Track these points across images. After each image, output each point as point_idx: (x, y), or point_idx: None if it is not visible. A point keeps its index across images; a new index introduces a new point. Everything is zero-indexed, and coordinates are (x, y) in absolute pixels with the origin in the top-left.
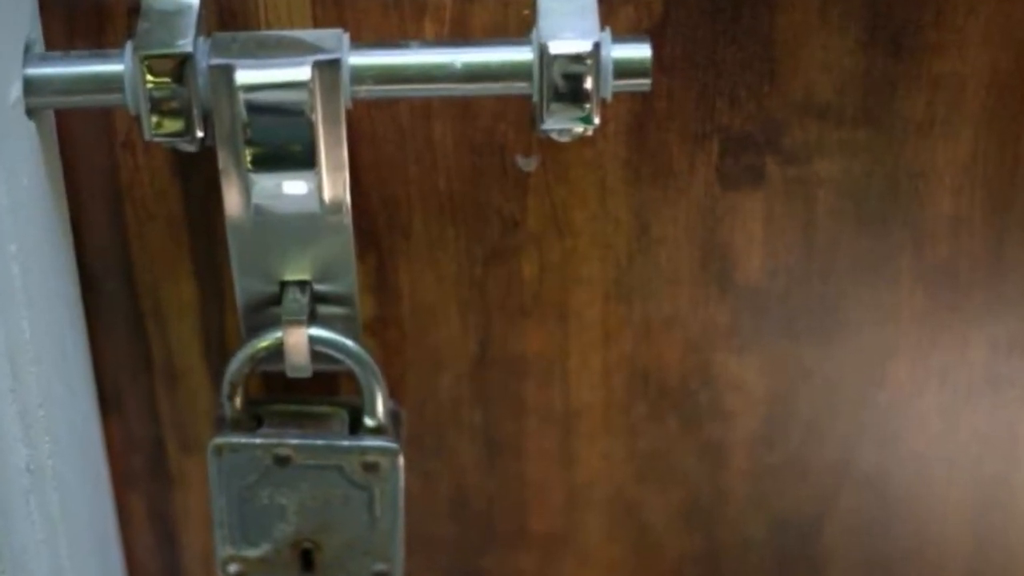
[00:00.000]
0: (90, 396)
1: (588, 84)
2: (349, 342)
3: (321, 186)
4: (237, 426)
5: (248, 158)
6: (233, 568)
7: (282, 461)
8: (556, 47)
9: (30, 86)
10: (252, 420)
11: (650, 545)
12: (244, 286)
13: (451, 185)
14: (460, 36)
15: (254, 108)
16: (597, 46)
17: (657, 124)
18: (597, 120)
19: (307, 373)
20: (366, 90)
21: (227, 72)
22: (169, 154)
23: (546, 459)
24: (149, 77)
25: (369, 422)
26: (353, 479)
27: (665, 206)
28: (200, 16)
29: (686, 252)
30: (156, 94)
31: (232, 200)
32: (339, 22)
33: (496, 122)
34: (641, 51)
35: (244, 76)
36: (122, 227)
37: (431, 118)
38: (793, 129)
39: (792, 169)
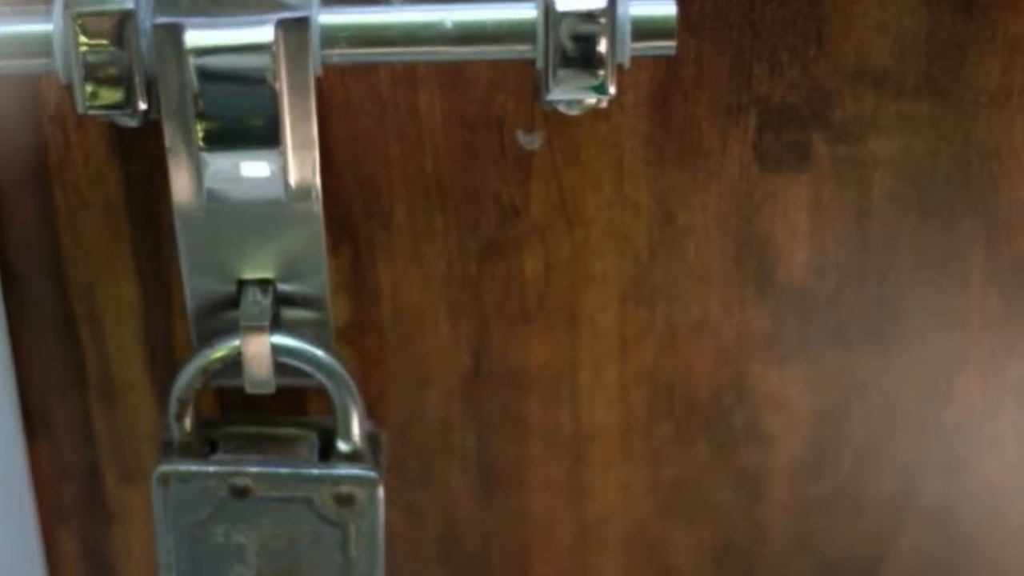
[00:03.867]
0: (13, 415)
1: (602, 47)
2: (319, 352)
3: (286, 167)
4: (187, 451)
5: (200, 134)
6: None
7: (240, 493)
8: (564, 3)
9: None
10: (204, 444)
11: None
12: (195, 286)
13: (440, 166)
14: None
15: (207, 75)
16: (613, 2)
17: (684, 94)
18: (613, 89)
19: (270, 389)
20: (339, 54)
21: (175, 33)
22: (107, 130)
23: (552, 490)
24: (83, 39)
25: (343, 447)
26: (324, 514)
27: (693, 191)
28: None
29: (718, 245)
30: (91, 59)
31: (181, 184)
32: None
33: (493, 92)
34: (664, 8)
35: (195, 37)
36: (51, 216)
37: (416, 87)
38: (844, 100)
39: (843, 147)
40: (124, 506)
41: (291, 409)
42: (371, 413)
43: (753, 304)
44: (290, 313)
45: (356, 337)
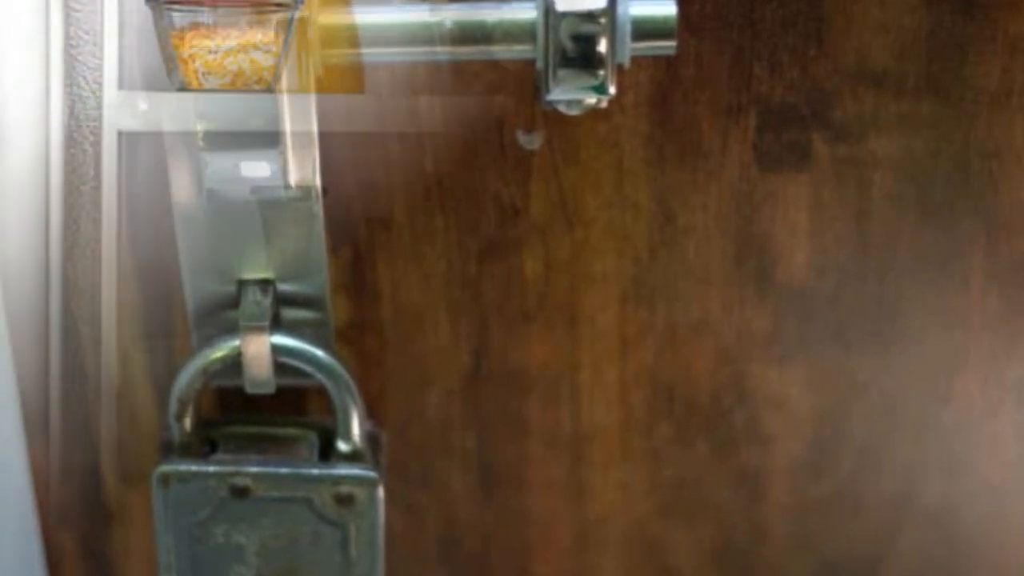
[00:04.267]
0: (13, 416)
1: (602, 47)
2: (319, 352)
3: (286, 167)
4: (187, 451)
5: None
6: None
7: (240, 493)
8: (564, 3)
9: None
10: (205, 444)
11: None
12: (195, 286)
13: (440, 166)
14: None
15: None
16: (613, 2)
17: (684, 94)
18: (613, 90)
19: (270, 389)
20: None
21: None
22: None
23: (552, 490)
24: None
25: (343, 447)
26: (324, 514)
27: (693, 191)
28: None
29: (718, 245)
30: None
31: (181, 184)
32: None
33: (493, 92)
34: (664, 8)
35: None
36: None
37: (416, 87)
38: (844, 100)
39: (843, 147)
40: (124, 506)
41: (291, 409)
42: (371, 413)
43: (753, 304)
44: (290, 313)
45: (356, 337)
